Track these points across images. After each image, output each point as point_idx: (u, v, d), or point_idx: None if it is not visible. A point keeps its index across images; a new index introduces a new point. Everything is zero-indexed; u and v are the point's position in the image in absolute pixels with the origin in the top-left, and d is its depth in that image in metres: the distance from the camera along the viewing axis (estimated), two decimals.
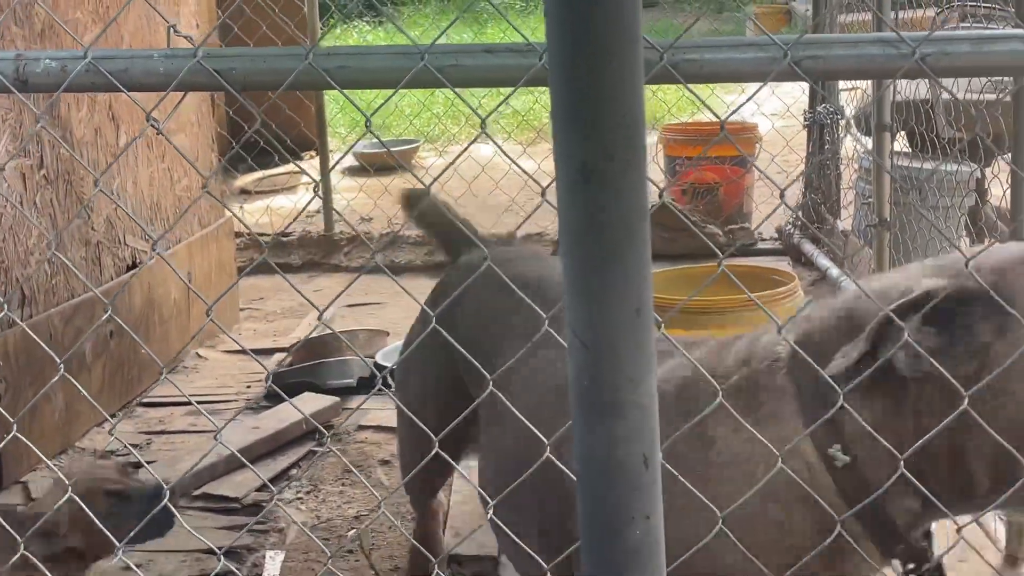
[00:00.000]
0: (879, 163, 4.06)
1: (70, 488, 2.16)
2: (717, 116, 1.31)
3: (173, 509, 2.37)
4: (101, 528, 2.28)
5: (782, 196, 1.34)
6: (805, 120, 5.45)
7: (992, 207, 4.95)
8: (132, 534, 2.25)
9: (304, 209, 2.10)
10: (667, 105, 6.64)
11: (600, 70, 0.97)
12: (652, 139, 6.40)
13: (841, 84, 5.38)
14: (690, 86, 1.34)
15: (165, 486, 2.33)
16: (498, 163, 6.08)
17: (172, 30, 2.86)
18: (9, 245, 3.52)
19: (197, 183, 4.85)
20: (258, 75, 1.37)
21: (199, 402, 4.19)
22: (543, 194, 1.32)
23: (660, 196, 1.51)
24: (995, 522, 2.98)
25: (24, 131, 3.54)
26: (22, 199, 3.58)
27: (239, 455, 3.02)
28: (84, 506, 2.14)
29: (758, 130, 6.10)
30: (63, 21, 3.85)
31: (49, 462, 2.69)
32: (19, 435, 1.99)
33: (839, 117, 5.36)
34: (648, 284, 1.05)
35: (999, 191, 4.16)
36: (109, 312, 1.55)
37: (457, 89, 1.39)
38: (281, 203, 6.85)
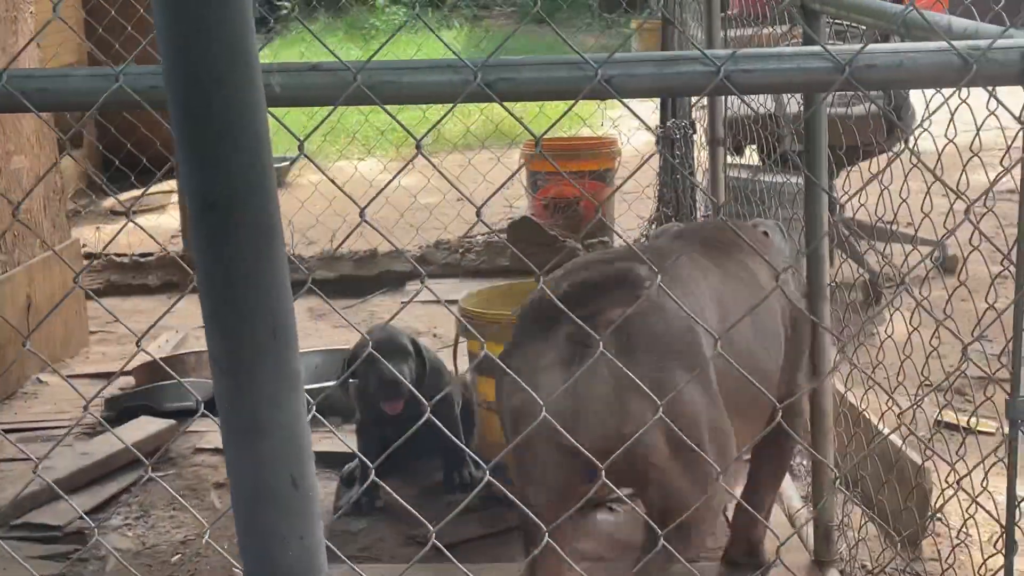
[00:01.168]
0: (714, 176, 4.14)
1: None
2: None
3: None
4: None
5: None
6: (656, 135, 5.52)
7: (843, 219, 5.07)
8: None
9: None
10: (526, 120, 6.69)
11: (212, 96, 0.97)
12: (515, 155, 6.44)
13: (693, 99, 5.48)
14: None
15: None
16: (381, 180, 6.04)
17: None
18: None
19: (38, 205, 4.75)
20: None
21: (34, 428, 4.11)
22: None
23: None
24: (807, 526, 3.05)
25: None
26: None
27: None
28: None
29: (618, 144, 6.17)
30: None
31: None
32: None
33: (690, 132, 5.44)
34: (284, 306, 1.05)
35: (854, 202, 4.27)
36: None
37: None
38: (141, 223, 6.74)
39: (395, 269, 5.89)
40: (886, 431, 3.04)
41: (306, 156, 1.23)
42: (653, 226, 5.73)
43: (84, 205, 7.23)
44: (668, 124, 5.46)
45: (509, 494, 1.82)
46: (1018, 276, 1.58)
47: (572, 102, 1.38)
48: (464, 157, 6.35)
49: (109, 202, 7.58)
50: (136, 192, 7.15)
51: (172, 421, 3.97)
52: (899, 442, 3.06)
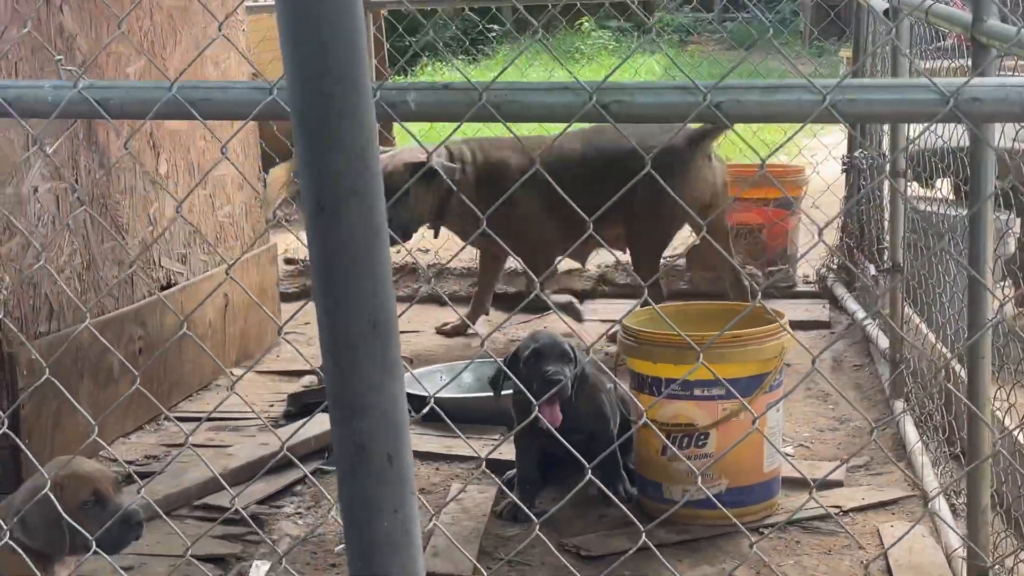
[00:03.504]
0: (894, 208, 4.08)
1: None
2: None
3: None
4: (62, 528, 2.46)
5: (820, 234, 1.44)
6: (843, 165, 5.46)
7: None
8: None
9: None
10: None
11: (325, 110, 1.09)
12: None
13: (886, 129, 5.38)
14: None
15: (140, 511, 2.52)
16: None
17: (58, 63, 3.05)
18: (40, 262, 3.75)
19: (240, 209, 5.07)
20: (132, 105, 1.52)
21: (224, 419, 4.39)
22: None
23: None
24: (963, 567, 2.99)
25: (58, 156, 3.79)
26: (55, 220, 3.82)
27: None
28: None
29: (804, 173, 6.11)
30: (106, 54, 4.10)
31: (37, 463, 2.86)
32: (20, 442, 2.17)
33: (878, 162, 5.35)
34: (384, 302, 1.16)
35: None
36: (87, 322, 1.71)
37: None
38: None
39: (573, 287, 6.00)
40: None
41: (438, 167, 1.33)
42: (835, 257, 5.66)
43: (289, 214, 7.63)
44: (856, 154, 5.40)
45: None
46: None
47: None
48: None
49: None
50: None
51: None
52: None
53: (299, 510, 3.70)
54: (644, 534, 1.68)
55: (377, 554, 1.21)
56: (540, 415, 3.44)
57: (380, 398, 1.17)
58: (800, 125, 1.35)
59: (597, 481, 2.39)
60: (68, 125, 3.69)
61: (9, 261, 3.62)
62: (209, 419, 4.37)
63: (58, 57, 3.33)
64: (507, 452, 3.97)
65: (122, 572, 2.91)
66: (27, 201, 3.70)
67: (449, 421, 1.92)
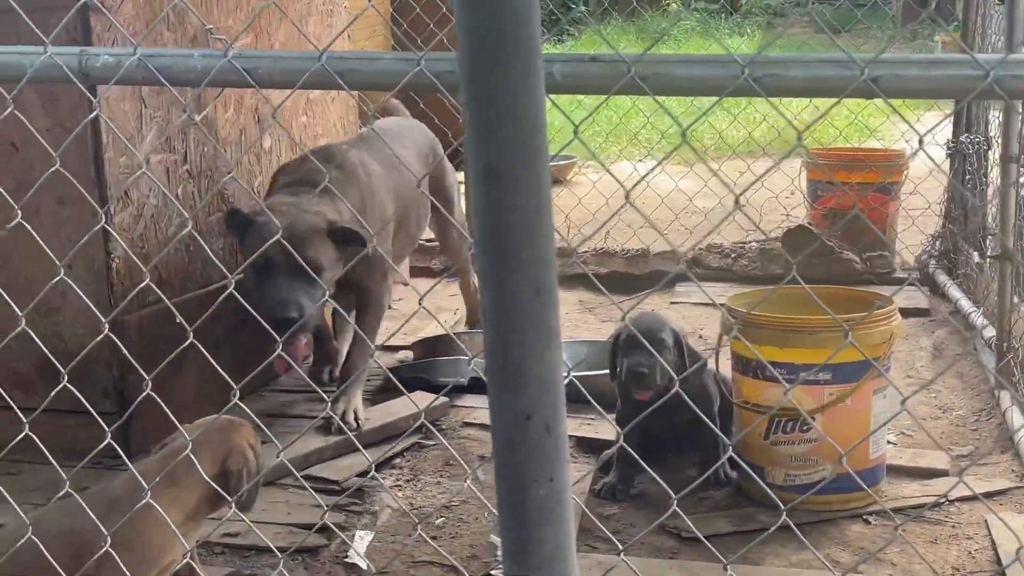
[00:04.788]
0: (1004, 195, 4.00)
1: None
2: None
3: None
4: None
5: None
6: (947, 150, 5.35)
7: None
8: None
9: None
10: (811, 130, 6.61)
11: (498, 82, 1.09)
12: (796, 162, 6.38)
13: (991, 115, 5.27)
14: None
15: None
16: (658, 181, 6.12)
17: (209, 32, 3.08)
18: (150, 232, 3.82)
19: None
20: (279, 75, 1.54)
21: (327, 391, 4.43)
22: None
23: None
24: None
25: (170, 128, 3.85)
26: (164, 191, 3.88)
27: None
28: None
29: (904, 157, 6.01)
30: (216, 28, 4.15)
31: (180, 425, 2.91)
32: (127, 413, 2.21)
33: (984, 148, 5.25)
34: (548, 269, 1.16)
35: None
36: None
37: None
38: None
39: (665, 269, 5.96)
40: None
41: (580, 139, 1.34)
42: (938, 244, 5.55)
43: None
44: (961, 139, 5.29)
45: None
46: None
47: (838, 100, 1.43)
48: (744, 163, 6.34)
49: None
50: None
51: (445, 398, 4.19)
52: None
53: (398, 483, 3.73)
54: (783, 514, 1.65)
55: (531, 521, 1.21)
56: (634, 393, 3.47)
57: (540, 366, 1.17)
58: (961, 102, 1.32)
59: (736, 457, 2.39)
60: (175, 99, 3.75)
61: (122, 231, 3.69)
62: (307, 390, 4.43)
63: (209, 27, 3.38)
64: (603, 432, 3.98)
65: (253, 527, 2.96)
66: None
67: (594, 401, 1.90)
